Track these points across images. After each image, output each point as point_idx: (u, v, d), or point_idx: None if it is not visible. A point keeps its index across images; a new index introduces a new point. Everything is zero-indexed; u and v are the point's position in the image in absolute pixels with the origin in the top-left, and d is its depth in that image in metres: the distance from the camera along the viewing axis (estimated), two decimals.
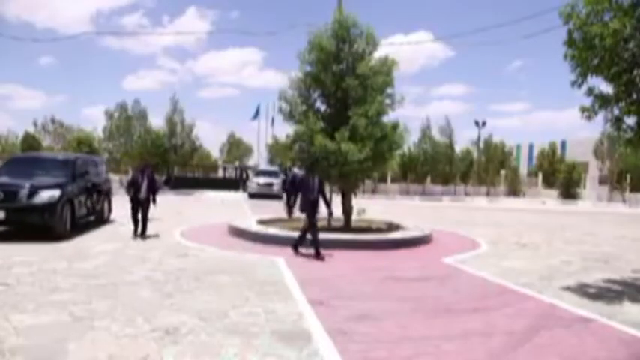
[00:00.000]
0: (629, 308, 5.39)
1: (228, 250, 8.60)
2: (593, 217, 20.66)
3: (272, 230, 10.11)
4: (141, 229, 9.66)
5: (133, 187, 9.70)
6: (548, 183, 41.96)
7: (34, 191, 8.69)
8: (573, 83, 6.55)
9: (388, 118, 10.75)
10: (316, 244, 8.13)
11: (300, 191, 8.55)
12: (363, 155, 9.74)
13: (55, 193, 8.90)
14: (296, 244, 8.38)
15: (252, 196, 26.03)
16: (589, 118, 6.72)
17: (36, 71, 79.28)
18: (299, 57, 10.78)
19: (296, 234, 9.79)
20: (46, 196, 8.73)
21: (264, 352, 3.71)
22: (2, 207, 8.47)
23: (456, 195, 39.23)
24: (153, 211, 10.12)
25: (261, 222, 11.54)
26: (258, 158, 46.80)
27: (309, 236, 8.30)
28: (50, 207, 8.72)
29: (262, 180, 26.55)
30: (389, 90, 10.71)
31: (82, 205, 10.27)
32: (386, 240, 9.65)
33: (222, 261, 7.55)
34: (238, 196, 27.79)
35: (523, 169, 49.03)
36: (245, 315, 4.67)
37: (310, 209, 8.24)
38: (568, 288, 6.31)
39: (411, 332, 4.32)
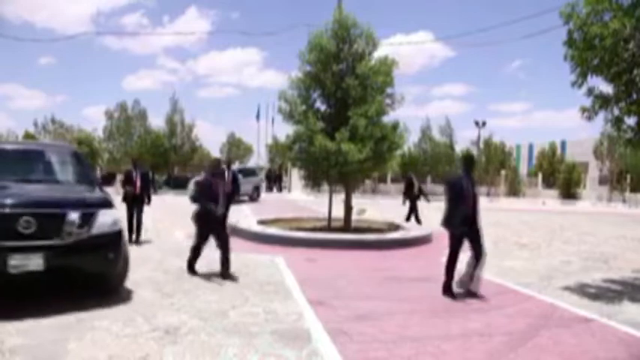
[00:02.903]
0: (629, 308, 5.39)
1: None
2: (593, 217, 20.64)
3: (272, 230, 10.10)
4: (223, 267, 6.31)
5: (206, 206, 6.35)
6: (548, 183, 41.93)
7: (89, 213, 4.83)
8: (573, 83, 6.55)
9: (388, 118, 10.78)
10: (472, 276, 5.75)
11: (451, 199, 5.77)
12: (363, 155, 9.74)
13: (116, 215, 5.21)
14: (447, 285, 5.80)
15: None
16: (589, 118, 6.73)
17: (36, 71, 79.38)
18: (299, 57, 10.80)
19: (296, 234, 9.79)
20: (107, 221, 4.97)
21: (264, 352, 3.71)
22: (38, 247, 4.46)
23: None
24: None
25: (261, 222, 11.55)
26: (258, 158, 46.81)
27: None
28: (116, 240, 5.07)
29: None
30: (389, 90, 10.72)
31: None
32: (386, 240, 9.65)
33: None
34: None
35: (523, 169, 49.00)
36: (245, 315, 4.67)
37: (468, 225, 5.67)
38: (568, 288, 6.31)
39: (411, 332, 4.32)
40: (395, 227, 11.27)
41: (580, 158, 41.49)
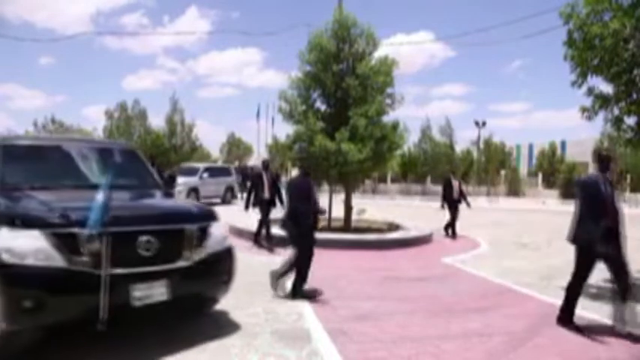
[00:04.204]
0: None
1: None
2: None
3: (272, 230, 10.08)
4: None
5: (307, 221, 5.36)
6: (548, 183, 41.93)
7: (203, 227, 4.09)
8: (573, 83, 6.56)
9: (388, 118, 10.78)
10: (620, 315, 4.37)
11: (583, 207, 4.53)
12: (363, 155, 9.74)
13: (223, 229, 4.53)
14: (566, 315, 4.58)
15: None
16: (589, 118, 6.74)
17: (36, 71, 79.09)
18: (299, 57, 10.80)
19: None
20: (218, 236, 4.25)
21: (264, 352, 3.72)
22: (161, 272, 3.64)
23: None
24: None
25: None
26: (258, 158, 46.79)
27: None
28: (229, 259, 4.37)
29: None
30: (389, 90, 10.72)
31: None
32: (386, 240, 9.65)
33: None
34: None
35: (523, 169, 48.99)
36: (245, 315, 4.67)
37: (613, 244, 4.53)
38: None
39: (411, 332, 4.32)
40: (395, 227, 11.27)
41: (580, 158, 41.43)
